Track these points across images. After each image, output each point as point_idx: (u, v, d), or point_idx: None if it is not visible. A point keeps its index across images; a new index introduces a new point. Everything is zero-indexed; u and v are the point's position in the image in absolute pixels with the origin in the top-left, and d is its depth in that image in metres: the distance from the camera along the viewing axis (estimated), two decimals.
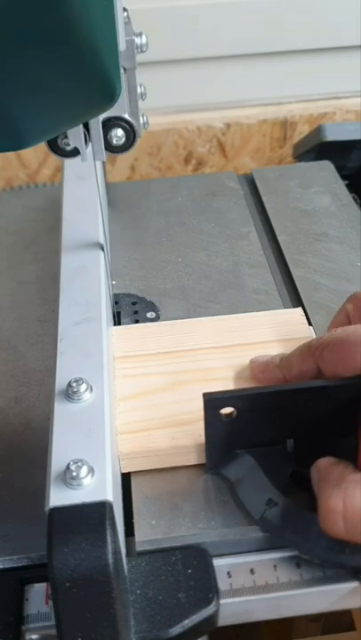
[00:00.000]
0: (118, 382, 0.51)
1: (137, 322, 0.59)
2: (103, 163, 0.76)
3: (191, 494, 0.45)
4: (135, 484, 0.46)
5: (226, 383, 0.50)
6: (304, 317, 0.56)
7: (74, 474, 0.38)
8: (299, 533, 0.42)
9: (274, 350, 0.51)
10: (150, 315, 0.60)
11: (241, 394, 0.44)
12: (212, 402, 0.43)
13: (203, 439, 0.45)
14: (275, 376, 0.48)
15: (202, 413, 0.44)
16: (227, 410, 0.44)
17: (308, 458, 0.43)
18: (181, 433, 0.47)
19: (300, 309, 0.57)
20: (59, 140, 0.51)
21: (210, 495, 0.45)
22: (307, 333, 0.54)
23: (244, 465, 0.45)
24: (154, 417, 0.48)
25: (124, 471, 0.46)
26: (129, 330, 0.57)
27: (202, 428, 0.44)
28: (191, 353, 0.53)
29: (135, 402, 0.50)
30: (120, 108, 0.51)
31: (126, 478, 0.46)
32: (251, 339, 0.54)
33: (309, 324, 0.56)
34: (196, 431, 0.46)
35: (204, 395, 0.43)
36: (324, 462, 0.41)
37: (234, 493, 0.45)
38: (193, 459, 0.47)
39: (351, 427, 0.41)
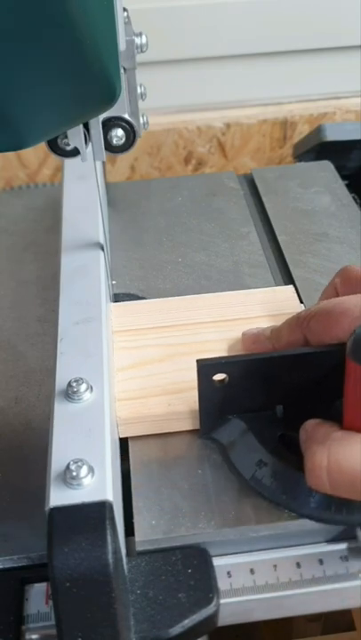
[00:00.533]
0: (116, 354, 0.53)
1: None
2: (103, 163, 0.76)
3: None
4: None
5: (220, 355, 0.51)
6: (295, 294, 0.59)
7: (74, 474, 0.38)
8: (287, 492, 0.43)
9: (266, 324, 0.53)
10: None
11: (232, 360, 0.46)
12: (205, 368, 0.45)
13: (197, 405, 0.47)
14: (265, 347, 0.50)
15: (196, 382, 0.45)
16: (219, 376, 0.45)
17: (297, 422, 0.44)
18: (177, 400, 0.49)
19: (291, 287, 0.60)
20: (59, 140, 0.51)
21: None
22: (297, 309, 0.56)
23: (236, 429, 0.47)
24: (150, 385, 0.50)
25: (121, 436, 0.48)
26: (127, 306, 0.59)
27: (196, 395, 0.46)
28: (186, 327, 0.55)
29: (133, 372, 0.52)
30: (120, 108, 0.51)
31: (126, 477, 0.46)
32: (244, 314, 0.56)
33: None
34: (190, 398, 0.48)
35: (198, 361, 0.45)
36: (310, 423, 0.43)
37: (226, 456, 0.47)
38: (188, 424, 0.48)
39: (337, 393, 0.42)
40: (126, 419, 0.48)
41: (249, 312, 0.56)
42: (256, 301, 0.58)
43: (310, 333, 0.46)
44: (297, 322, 0.47)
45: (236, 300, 0.58)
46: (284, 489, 0.43)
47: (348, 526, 0.43)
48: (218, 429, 0.48)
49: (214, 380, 0.45)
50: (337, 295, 0.49)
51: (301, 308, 0.57)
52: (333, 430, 0.41)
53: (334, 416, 0.42)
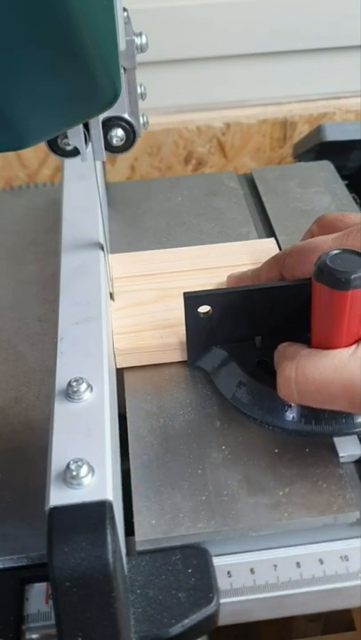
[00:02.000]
0: (115, 297, 0.58)
1: None
2: (103, 163, 0.76)
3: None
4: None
5: None
6: (277, 246, 0.64)
7: (74, 473, 0.38)
8: (263, 407, 0.49)
9: None
10: None
11: (215, 292, 0.52)
12: (191, 299, 0.50)
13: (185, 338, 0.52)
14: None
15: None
16: (204, 308, 0.50)
17: (273, 350, 0.49)
18: (168, 333, 0.55)
19: (272, 239, 0.66)
20: (59, 140, 0.51)
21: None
22: None
23: (219, 358, 0.52)
24: (144, 321, 0.56)
25: (119, 367, 0.54)
26: (122, 257, 0.64)
27: (185, 330, 0.51)
28: (176, 274, 0.61)
29: (128, 311, 0.57)
30: (120, 108, 0.51)
31: (126, 476, 0.46)
32: (229, 262, 0.62)
33: None
34: (180, 332, 0.53)
35: (185, 294, 0.50)
36: (283, 345, 0.48)
37: (210, 381, 0.52)
38: (178, 355, 0.54)
39: (309, 325, 0.46)
40: (123, 349, 0.54)
41: (233, 261, 0.62)
42: (240, 252, 0.63)
43: (286, 270, 0.51)
44: (274, 260, 0.53)
45: (222, 251, 0.64)
46: (260, 405, 0.49)
47: (317, 436, 0.47)
48: (203, 359, 0.53)
49: (199, 312, 0.50)
50: None
51: None
52: (302, 348, 0.46)
53: (306, 344, 0.46)
